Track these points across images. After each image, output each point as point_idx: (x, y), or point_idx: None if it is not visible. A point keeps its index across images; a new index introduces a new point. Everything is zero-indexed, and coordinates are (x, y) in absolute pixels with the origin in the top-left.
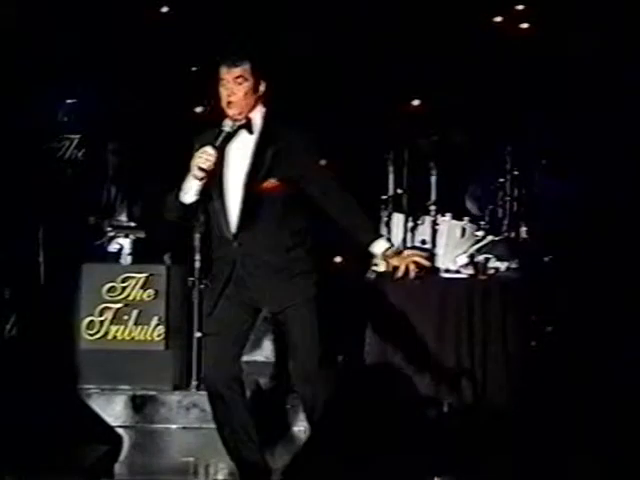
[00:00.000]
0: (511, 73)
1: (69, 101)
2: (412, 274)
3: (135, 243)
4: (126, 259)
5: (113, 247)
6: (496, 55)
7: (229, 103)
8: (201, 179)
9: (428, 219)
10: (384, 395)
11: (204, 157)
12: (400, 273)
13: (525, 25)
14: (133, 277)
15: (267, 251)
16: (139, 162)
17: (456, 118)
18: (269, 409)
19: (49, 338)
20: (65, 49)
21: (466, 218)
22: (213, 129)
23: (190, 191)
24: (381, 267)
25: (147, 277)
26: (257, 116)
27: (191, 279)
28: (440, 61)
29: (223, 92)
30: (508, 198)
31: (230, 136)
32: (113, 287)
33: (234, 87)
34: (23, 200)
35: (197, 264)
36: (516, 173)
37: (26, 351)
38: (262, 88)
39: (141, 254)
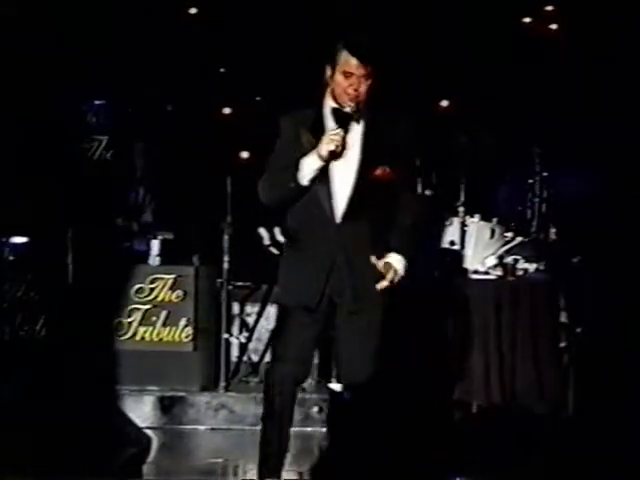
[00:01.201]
0: (541, 74)
1: (97, 102)
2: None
3: (163, 244)
4: (154, 260)
5: (141, 248)
6: (526, 56)
7: (348, 95)
8: (326, 161)
9: (457, 220)
10: (412, 396)
11: (337, 138)
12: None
13: (554, 26)
14: (161, 278)
15: (366, 244)
16: (167, 163)
17: (485, 119)
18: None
19: (78, 339)
20: (93, 50)
21: (495, 219)
22: (301, 110)
23: (310, 173)
24: None
25: (175, 278)
26: (363, 105)
27: (220, 280)
28: (469, 61)
29: (344, 83)
30: (537, 199)
31: (350, 119)
32: (141, 288)
33: (360, 82)
34: (51, 201)
35: (226, 265)
36: (545, 174)
37: (55, 352)
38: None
39: (169, 255)
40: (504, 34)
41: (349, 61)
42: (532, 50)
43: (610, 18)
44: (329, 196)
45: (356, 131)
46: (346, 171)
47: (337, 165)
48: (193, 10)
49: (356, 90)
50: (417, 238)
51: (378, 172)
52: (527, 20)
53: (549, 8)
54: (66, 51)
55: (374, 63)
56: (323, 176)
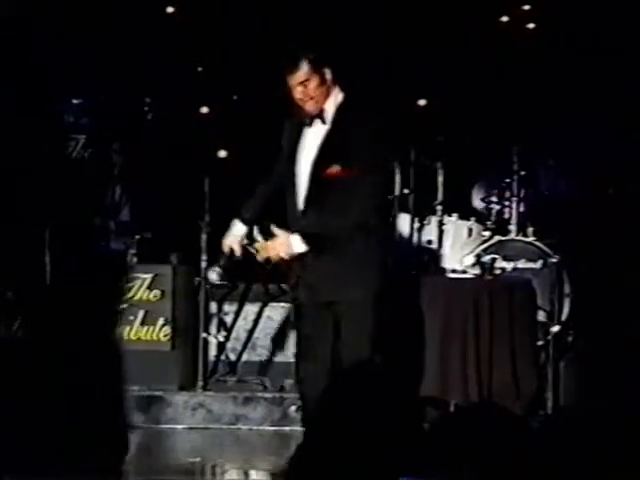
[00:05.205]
0: (518, 73)
1: (75, 101)
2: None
3: (141, 243)
4: (132, 259)
5: (119, 247)
6: (504, 55)
7: (301, 104)
8: None
9: (434, 219)
10: (389, 395)
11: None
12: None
13: (531, 25)
14: (139, 277)
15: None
16: (145, 162)
17: (463, 118)
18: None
19: (55, 339)
20: (71, 49)
21: (473, 218)
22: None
23: None
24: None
25: (153, 277)
26: (330, 105)
27: (197, 279)
28: (447, 61)
29: (293, 95)
30: (515, 198)
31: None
32: (119, 287)
33: (302, 90)
34: (28, 200)
35: (204, 264)
36: (523, 173)
37: (32, 353)
38: (328, 76)
39: (147, 254)
40: (482, 33)
41: (285, 76)
42: (510, 49)
43: (587, 17)
44: (294, 193)
45: (320, 132)
46: (307, 170)
47: (303, 164)
48: (170, 9)
49: (301, 97)
50: (326, 236)
51: (328, 171)
52: (504, 19)
53: (526, 7)
54: (42, 50)
55: (301, 66)
56: (293, 174)
